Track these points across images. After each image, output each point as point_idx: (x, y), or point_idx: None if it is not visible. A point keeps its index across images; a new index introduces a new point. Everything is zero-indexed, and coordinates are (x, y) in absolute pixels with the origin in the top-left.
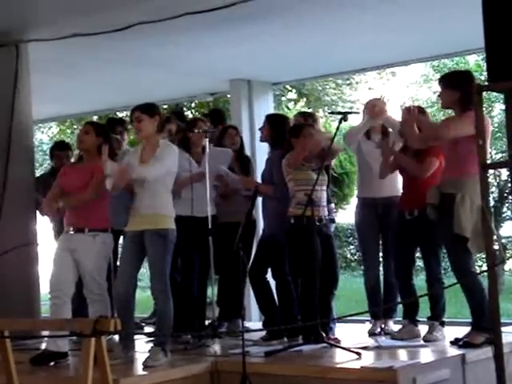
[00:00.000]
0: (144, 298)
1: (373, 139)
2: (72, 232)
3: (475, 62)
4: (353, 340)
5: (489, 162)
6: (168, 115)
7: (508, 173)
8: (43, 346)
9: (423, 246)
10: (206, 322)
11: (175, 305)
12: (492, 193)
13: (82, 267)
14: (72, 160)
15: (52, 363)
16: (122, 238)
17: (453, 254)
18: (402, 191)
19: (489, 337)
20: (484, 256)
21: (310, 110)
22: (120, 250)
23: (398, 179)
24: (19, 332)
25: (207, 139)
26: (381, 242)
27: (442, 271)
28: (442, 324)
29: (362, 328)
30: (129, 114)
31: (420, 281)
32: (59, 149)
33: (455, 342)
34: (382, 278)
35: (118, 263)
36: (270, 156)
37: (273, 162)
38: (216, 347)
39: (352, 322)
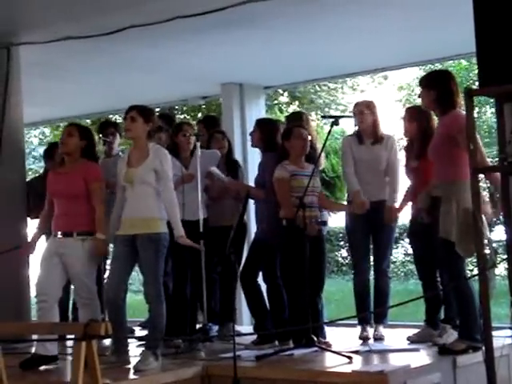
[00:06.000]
0: (136, 301)
1: (365, 143)
2: (60, 236)
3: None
4: (344, 344)
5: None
6: (160, 125)
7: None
8: (33, 349)
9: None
10: (197, 326)
11: (167, 309)
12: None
13: (71, 271)
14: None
15: (41, 367)
16: None
17: (443, 259)
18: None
19: (470, 344)
20: (475, 260)
21: (297, 110)
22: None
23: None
24: (9, 336)
25: (199, 143)
26: (372, 246)
27: None
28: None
29: (353, 332)
30: (120, 117)
31: (417, 284)
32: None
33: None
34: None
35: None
36: (262, 160)
37: (265, 166)
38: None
39: (343, 325)
